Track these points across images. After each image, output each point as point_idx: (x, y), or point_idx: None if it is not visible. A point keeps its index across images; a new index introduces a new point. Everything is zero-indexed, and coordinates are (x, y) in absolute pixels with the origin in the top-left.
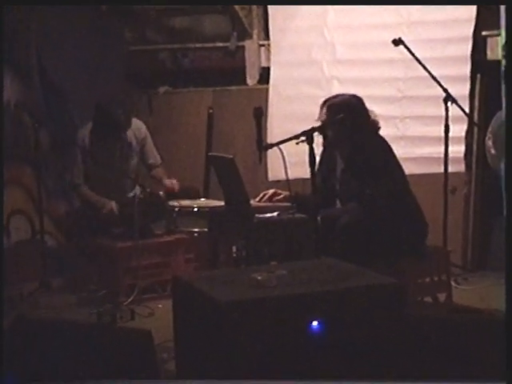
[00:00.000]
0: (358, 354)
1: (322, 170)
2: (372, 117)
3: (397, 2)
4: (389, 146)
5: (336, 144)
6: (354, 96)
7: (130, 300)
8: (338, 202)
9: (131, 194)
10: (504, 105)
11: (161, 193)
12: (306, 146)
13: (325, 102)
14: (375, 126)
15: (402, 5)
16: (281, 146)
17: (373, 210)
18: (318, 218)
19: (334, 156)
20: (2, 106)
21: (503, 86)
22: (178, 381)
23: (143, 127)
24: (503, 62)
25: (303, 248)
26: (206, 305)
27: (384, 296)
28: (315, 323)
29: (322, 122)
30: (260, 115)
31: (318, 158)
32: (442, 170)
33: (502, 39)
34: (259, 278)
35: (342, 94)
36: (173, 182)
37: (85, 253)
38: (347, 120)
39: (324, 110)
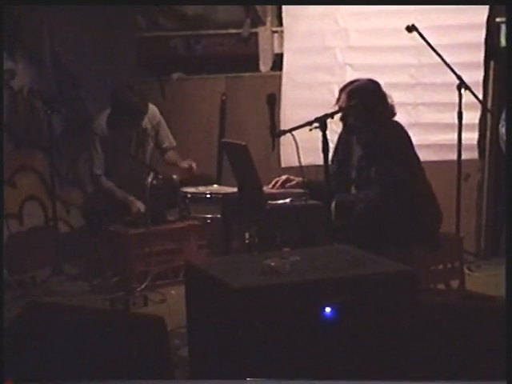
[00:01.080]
0: (371, 340)
1: (337, 157)
2: (390, 102)
3: (400, 2)
4: (406, 133)
5: (354, 130)
6: (372, 81)
7: (143, 286)
8: (353, 188)
9: (148, 181)
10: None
11: (174, 177)
12: (319, 133)
13: (344, 88)
14: (393, 111)
15: (407, 5)
16: (294, 132)
17: (390, 197)
18: (333, 203)
19: (350, 142)
20: (1, 105)
21: None
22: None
23: (157, 112)
24: None
25: (316, 234)
26: (218, 291)
27: (397, 283)
28: (328, 310)
29: (341, 107)
30: (273, 102)
31: (331, 145)
32: (455, 157)
33: None
34: (272, 264)
35: (360, 79)
36: (189, 163)
37: (99, 239)
38: (366, 105)
39: (343, 96)
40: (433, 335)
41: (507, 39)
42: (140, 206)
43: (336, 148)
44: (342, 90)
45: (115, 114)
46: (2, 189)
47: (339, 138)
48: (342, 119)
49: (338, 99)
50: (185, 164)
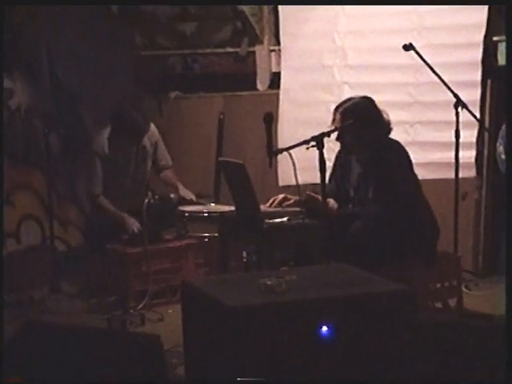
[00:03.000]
0: (368, 359)
1: (335, 176)
2: (385, 117)
3: (401, 2)
4: (405, 150)
5: (352, 149)
6: (366, 98)
7: (141, 305)
8: (350, 206)
9: (146, 200)
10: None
11: (172, 195)
12: (316, 151)
13: (337, 108)
14: (389, 127)
15: (408, 5)
16: (291, 151)
17: (388, 214)
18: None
19: (349, 161)
20: (2, 106)
21: None
22: None
23: (156, 131)
24: None
25: (313, 253)
26: (215, 310)
27: (395, 302)
28: (325, 329)
29: (336, 127)
30: (270, 120)
31: (329, 163)
32: (452, 175)
33: None
34: (268, 282)
35: (354, 98)
36: (190, 196)
37: (97, 258)
38: (361, 123)
39: (337, 116)
40: (431, 354)
41: (507, 39)
42: (133, 223)
43: (334, 166)
44: (336, 110)
45: (116, 132)
46: (2, 192)
47: (337, 157)
48: (337, 139)
49: (334, 119)
50: (186, 196)
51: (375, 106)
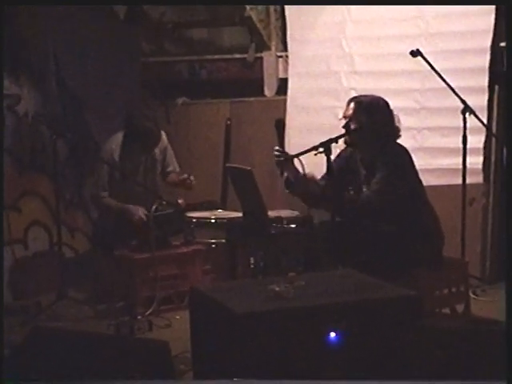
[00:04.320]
0: (376, 364)
1: (344, 177)
2: (396, 121)
3: (401, 2)
4: (410, 155)
5: (358, 144)
6: (382, 98)
7: (149, 311)
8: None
9: (153, 206)
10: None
11: (180, 201)
12: (323, 157)
13: (353, 99)
14: (397, 133)
15: (408, 5)
16: (300, 157)
17: (393, 219)
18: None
19: (353, 161)
20: (1, 106)
21: None
22: None
23: (165, 138)
24: None
25: (321, 259)
26: (223, 316)
27: (402, 307)
28: (333, 334)
29: (346, 116)
30: (281, 126)
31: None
32: (460, 181)
33: None
34: (277, 289)
35: (371, 95)
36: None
37: (104, 264)
38: (372, 118)
39: (352, 105)
40: (438, 359)
41: (507, 40)
42: (140, 210)
43: (341, 167)
44: (351, 100)
45: (129, 139)
46: (2, 193)
47: (346, 158)
48: (344, 127)
49: (346, 109)
50: (183, 176)
51: (389, 107)
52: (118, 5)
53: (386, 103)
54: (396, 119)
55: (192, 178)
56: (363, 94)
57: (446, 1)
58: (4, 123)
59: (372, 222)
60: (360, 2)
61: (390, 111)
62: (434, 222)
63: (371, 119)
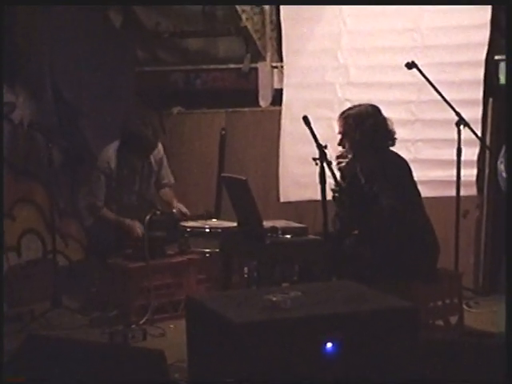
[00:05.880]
0: (372, 375)
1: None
2: (389, 125)
3: (399, 2)
4: (407, 165)
5: (355, 155)
6: (371, 105)
7: (143, 320)
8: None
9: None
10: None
11: (174, 211)
12: (317, 168)
13: (342, 114)
14: (393, 136)
15: (405, 5)
16: (292, 167)
17: (390, 230)
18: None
19: (354, 170)
20: (1, 109)
21: None
22: None
23: (161, 148)
24: None
25: (316, 270)
26: (221, 326)
27: (397, 318)
28: (329, 345)
29: (340, 132)
30: (309, 123)
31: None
32: (454, 193)
33: None
34: (274, 299)
35: (359, 105)
36: (184, 211)
37: (98, 272)
38: (361, 129)
39: (340, 122)
40: (432, 371)
41: (507, 40)
42: (139, 227)
43: (343, 176)
44: (340, 115)
45: (126, 146)
46: (2, 195)
47: (345, 167)
48: (339, 144)
49: (338, 126)
50: (181, 210)
51: (380, 113)
52: (118, 5)
53: (376, 109)
54: (389, 123)
55: (188, 214)
56: (356, 104)
57: (446, 1)
58: (2, 131)
59: (369, 235)
60: (357, 2)
61: (381, 116)
62: (430, 234)
63: (360, 129)
